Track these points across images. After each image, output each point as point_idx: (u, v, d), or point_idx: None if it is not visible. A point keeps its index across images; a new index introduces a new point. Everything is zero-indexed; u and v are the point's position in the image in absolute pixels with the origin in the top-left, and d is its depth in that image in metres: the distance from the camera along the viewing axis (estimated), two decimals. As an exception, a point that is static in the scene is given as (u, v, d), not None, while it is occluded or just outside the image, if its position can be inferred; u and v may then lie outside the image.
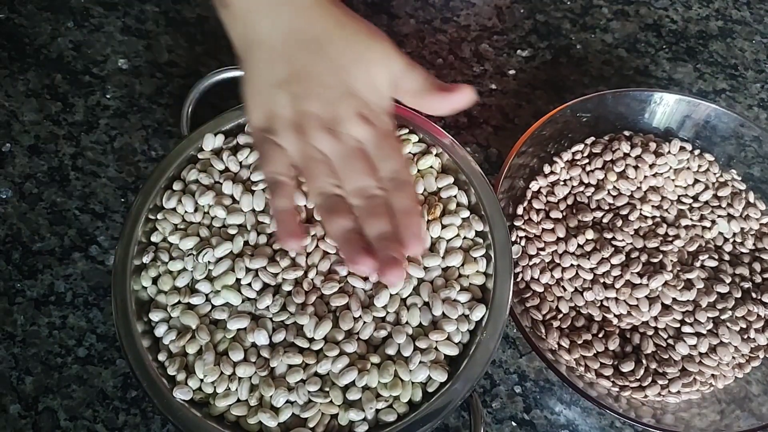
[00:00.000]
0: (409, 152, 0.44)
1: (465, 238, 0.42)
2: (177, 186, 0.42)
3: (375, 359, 0.37)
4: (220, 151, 0.44)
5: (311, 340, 0.38)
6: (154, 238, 0.41)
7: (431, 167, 0.44)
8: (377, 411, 0.37)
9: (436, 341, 0.38)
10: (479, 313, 0.39)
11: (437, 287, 0.40)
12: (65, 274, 0.48)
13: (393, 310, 0.39)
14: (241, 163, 0.43)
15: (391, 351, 0.38)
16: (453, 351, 0.38)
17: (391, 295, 0.39)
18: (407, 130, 0.45)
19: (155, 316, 0.39)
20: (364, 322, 0.38)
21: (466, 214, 0.42)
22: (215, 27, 0.60)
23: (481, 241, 0.42)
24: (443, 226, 0.41)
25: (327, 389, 0.37)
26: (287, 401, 0.37)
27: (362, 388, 0.37)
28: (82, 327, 0.47)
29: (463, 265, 0.41)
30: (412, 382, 0.37)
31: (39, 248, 0.49)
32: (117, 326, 0.38)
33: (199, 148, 0.44)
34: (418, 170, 0.44)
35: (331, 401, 0.37)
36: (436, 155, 0.44)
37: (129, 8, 0.61)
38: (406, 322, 0.39)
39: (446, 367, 0.38)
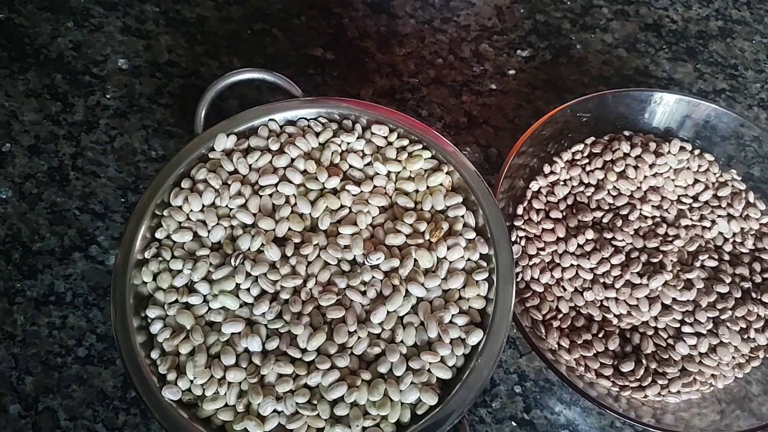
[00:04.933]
0: (421, 168, 0.44)
1: (469, 260, 0.41)
2: (185, 184, 0.42)
3: (366, 376, 0.37)
4: (231, 153, 0.44)
5: (304, 351, 0.37)
6: (158, 234, 0.41)
7: (441, 185, 0.43)
8: (364, 429, 0.36)
9: (430, 363, 0.37)
10: (476, 337, 0.38)
11: (435, 308, 0.39)
12: (65, 274, 0.48)
13: (389, 328, 0.38)
14: (250, 166, 0.43)
15: (383, 369, 0.37)
16: (446, 374, 0.37)
17: (388, 312, 0.38)
18: (421, 146, 0.44)
19: (152, 312, 0.39)
20: (359, 338, 0.38)
21: (471, 235, 0.41)
22: (215, 27, 0.60)
23: (484, 264, 0.41)
24: (448, 247, 0.40)
25: (315, 402, 0.36)
26: (274, 410, 0.36)
27: (350, 404, 0.36)
28: (82, 327, 0.47)
29: (464, 287, 0.40)
30: (402, 403, 0.37)
31: (39, 248, 0.49)
32: (114, 319, 0.38)
33: (210, 147, 0.43)
34: (428, 186, 0.43)
35: (318, 415, 0.36)
36: (447, 173, 0.43)
37: (129, 8, 0.61)
38: (401, 341, 0.38)
39: (437, 390, 0.37)
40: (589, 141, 0.50)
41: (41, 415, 0.44)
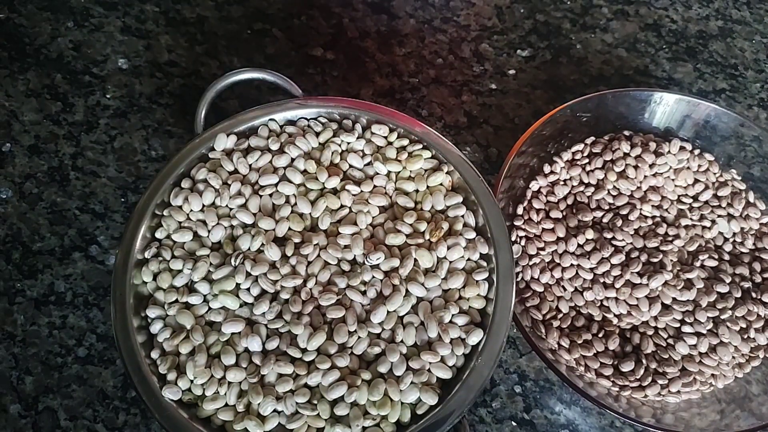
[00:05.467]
0: (421, 167, 0.43)
1: (469, 259, 0.41)
2: (185, 184, 0.42)
3: (366, 376, 0.37)
4: (231, 152, 0.44)
5: (304, 351, 0.37)
6: (158, 234, 0.41)
7: (441, 184, 0.43)
8: (364, 429, 0.36)
9: (430, 363, 0.37)
10: (476, 337, 0.38)
11: (435, 308, 0.39)
12: (65, 274, 0.48)
13: (389, 327, 0.38)
14: (250, 166, 0.43)
15: (383, 369, 0.37)
16: (446, 374, 0.37)
17: (388, 312, 0.38)
18: (421, 146, 0.44)
19: (152, 312, 0.39)
20: (359, 337, 0.38)
21: (472, 235, 0.41)
22: (215, 27, 0.60)
23: (485, 264, 0.41)
24: (448, 247, 0.40)
25: (315, 402, 0.36)
26: (274, 410, 0.36)
27: (351, 404, 0.36)
28: (82, 327, 0.47)
29: (464, 287, 0.40)
30: (402, 403, 0.37)
31: (39, 248, 0.49)
32: (114, 319, 0.38)
33: (210, 147, 0.43)
34: (428, 186, 0.43)
35: (318, 414, 0.36)
36: (447, 173, 0.43)
37: (129, 8, 0.61)
38: (401, 341, 0.38)
39: (437, 390, 0.37)
40: (589, 141, 0.51)
41: (41, 415, 0.44)
